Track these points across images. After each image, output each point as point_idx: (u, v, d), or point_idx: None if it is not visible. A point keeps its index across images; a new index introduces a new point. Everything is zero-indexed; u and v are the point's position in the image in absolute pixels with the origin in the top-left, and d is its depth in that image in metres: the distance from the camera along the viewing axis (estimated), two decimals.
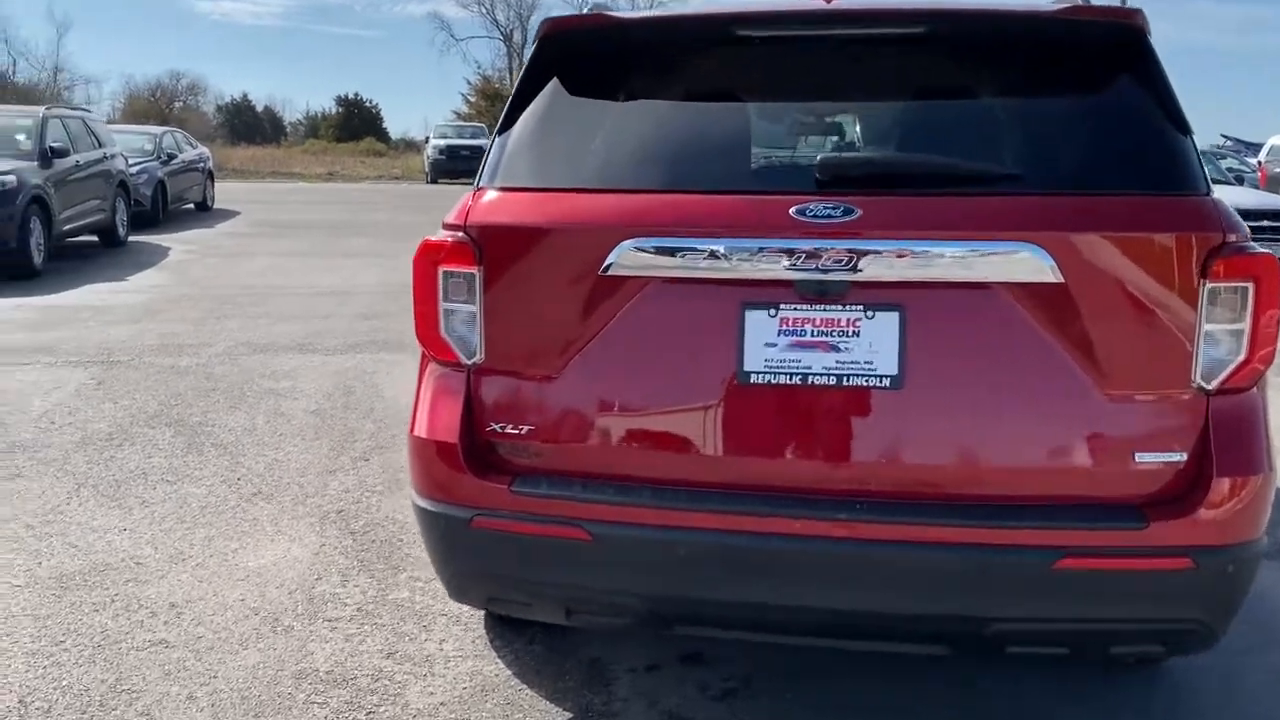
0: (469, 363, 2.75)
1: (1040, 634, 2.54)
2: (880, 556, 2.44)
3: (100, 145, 14.67)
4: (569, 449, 2.68)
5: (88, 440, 5.96)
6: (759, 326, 2.53)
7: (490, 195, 2.77)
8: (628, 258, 2.55)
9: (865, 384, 2.49)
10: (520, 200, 2.73)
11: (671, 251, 2.54)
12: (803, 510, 2.48)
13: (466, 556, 2.79)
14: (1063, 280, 2.39)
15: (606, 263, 2.56)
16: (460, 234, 2.71)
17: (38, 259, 12.03)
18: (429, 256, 2.76)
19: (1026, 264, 2.41)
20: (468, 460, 2.71)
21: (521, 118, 2.84)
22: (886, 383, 2.48)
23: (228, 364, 7.94)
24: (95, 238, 14.54)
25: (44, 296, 10.90)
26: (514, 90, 2.89)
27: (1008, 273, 2.45)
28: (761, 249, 2.48)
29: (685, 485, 2.61)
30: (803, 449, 2.55)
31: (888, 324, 2.49)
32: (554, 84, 2.82)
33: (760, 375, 2.53)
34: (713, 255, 2.51)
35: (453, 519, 2.73)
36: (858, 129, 3.15)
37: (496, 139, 2.86)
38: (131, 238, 15.36)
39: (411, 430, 2.82)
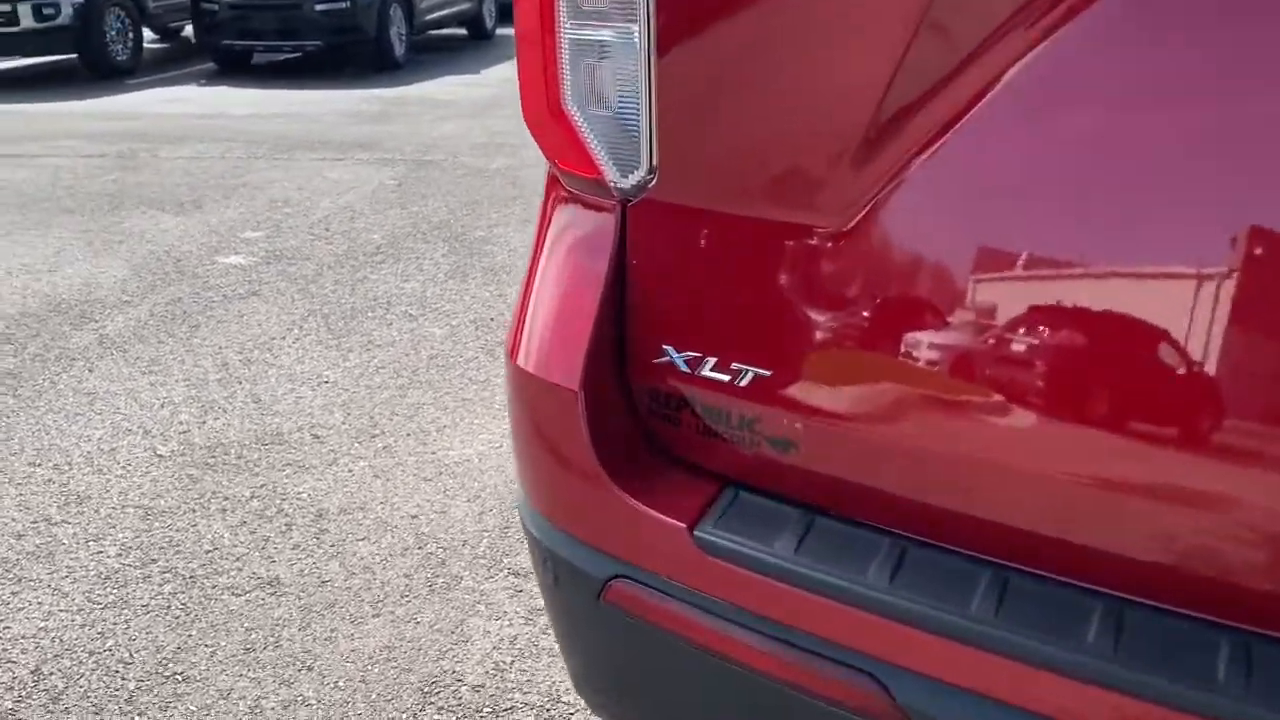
0: (625, 185, 1.05)
1: None
2: None
3: None
4: (863, 442, 0.94)
5: (351, 254, 5.01)
6: None
7: None
8: None
9: None
10: None
11: None
12: None
13: (595, 651, 1.18)
14: None
15: None
16: None
17: (398, 50, 11.59)
18: None
19: None
20: (598, 439, 1.05)
21: None
22: None
23: (541, 168, 6.72)
24: (463, 30, 14.01)
25: (393, 89, 10.39)
26: None
27: None
28: None
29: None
30: None
31: None
32: None
33: None
34: None
35: (568, 570, 1.11)
36: None
37: None
38: (499, 30, 14.70)
39: (509, 348, 1.19)
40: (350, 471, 2.95)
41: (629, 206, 1.06)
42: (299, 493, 2.83)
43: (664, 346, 1.05)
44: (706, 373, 1.02)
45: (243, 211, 5.80)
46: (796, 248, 0.96)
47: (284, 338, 3.95)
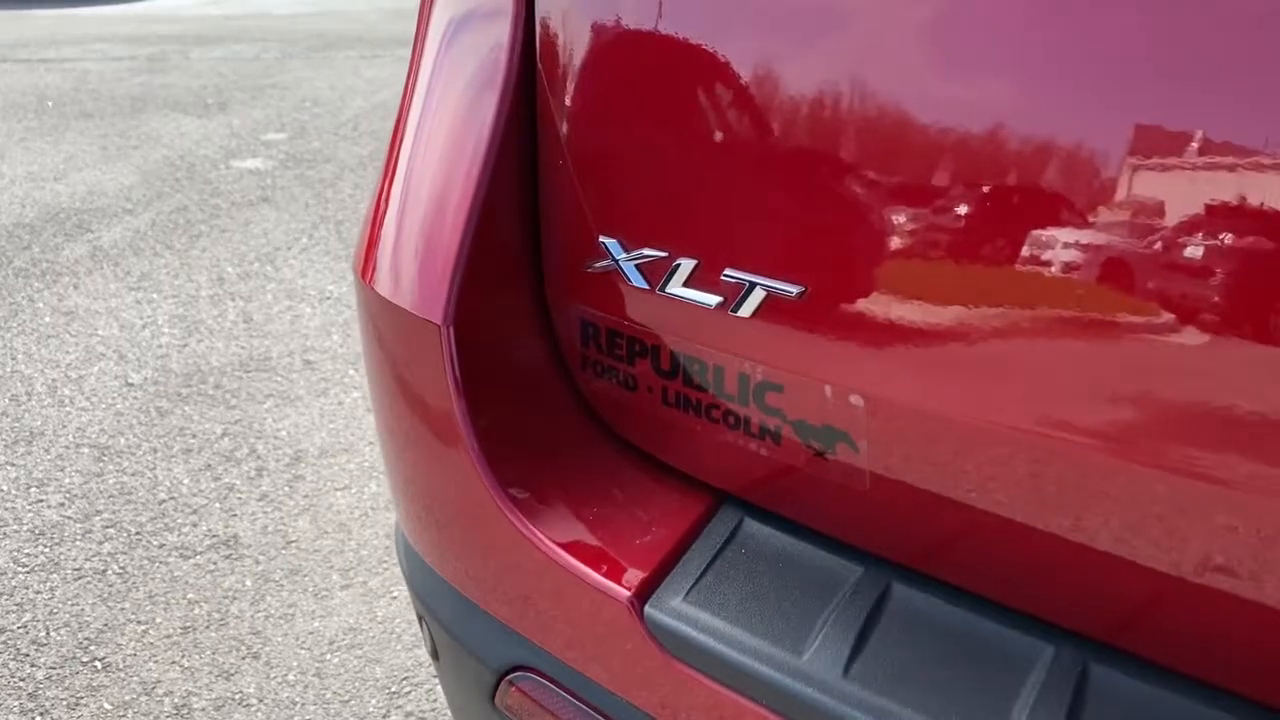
0: None
1: None
2: None
3: None
4: (996, 436, 0.42)
5: (376, 155, 4.55)
6: None
7: None
8: None
9: None
10: None
11: None
12: None
13: None
14: None
15: None
16: None
17: None
18: None
19: None
20: (481, 414, 0.55)
21: None
22: None
23: None
24: None
25: None
26: None
27: None
28: None
29: None
30: None
31: None
32: None
33: None
34: None
35: (449, 645, 0.62)
36: None
37: None
38: None
39: (356, 259, 0.68)
40: (340, 404, 2.52)
41: None
42: (278, 430, 2.42)
43: (601, 240, 0.55)
44: (678, 289, 0.53)
45: (268, 112, 5.37)
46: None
47: (289, 248, 3.53)
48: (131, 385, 2.65)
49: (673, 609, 0.51)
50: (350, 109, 5.38)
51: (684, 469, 0.59)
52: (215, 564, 1.97)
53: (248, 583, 1.92)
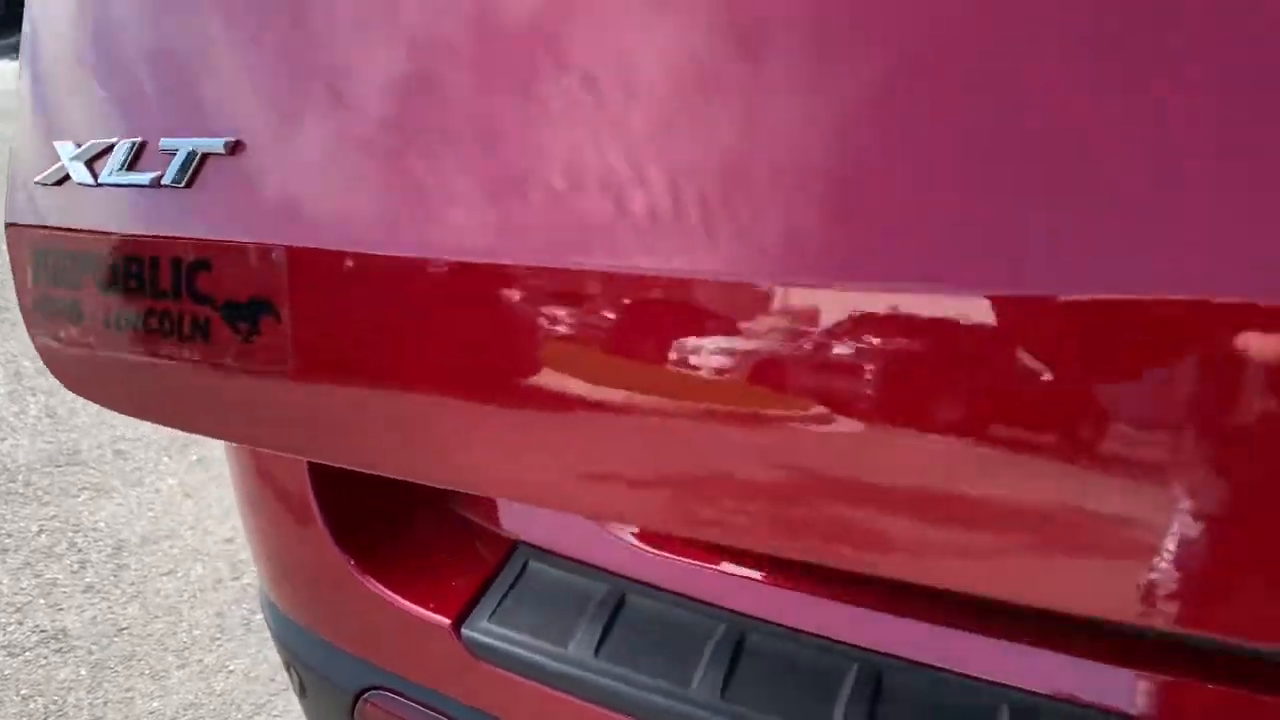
0: None
1: None
2: None
3: None
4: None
5: None
6: None
7: None
8: None
9: None
10: None
11: None
12: None
13: None
14: None
15: None
16: None
17: None
18: None
19: None
20: (327, 503, 0.78)
21: None
22: None
23: None
24: None
25: None
26: None
27: None
28: None
29: None
30: None
31: None
32: None
33: None
34: None
35: (310, 674, 0.83)
36: None
37: None
38: None
39: None
40: (157, 492, 2.59)
41: None
42: (95, 522, 2.47)
43: (54, 145, 0.55)
44: (117, 175, 0.52)
45: None
46: None
47: None
48: None
49: (483, 627, 0.73)
50: None
51: (121, 410, 0.62)
52: (46, 658, 2.03)
53: (83, 672, 1.99)
